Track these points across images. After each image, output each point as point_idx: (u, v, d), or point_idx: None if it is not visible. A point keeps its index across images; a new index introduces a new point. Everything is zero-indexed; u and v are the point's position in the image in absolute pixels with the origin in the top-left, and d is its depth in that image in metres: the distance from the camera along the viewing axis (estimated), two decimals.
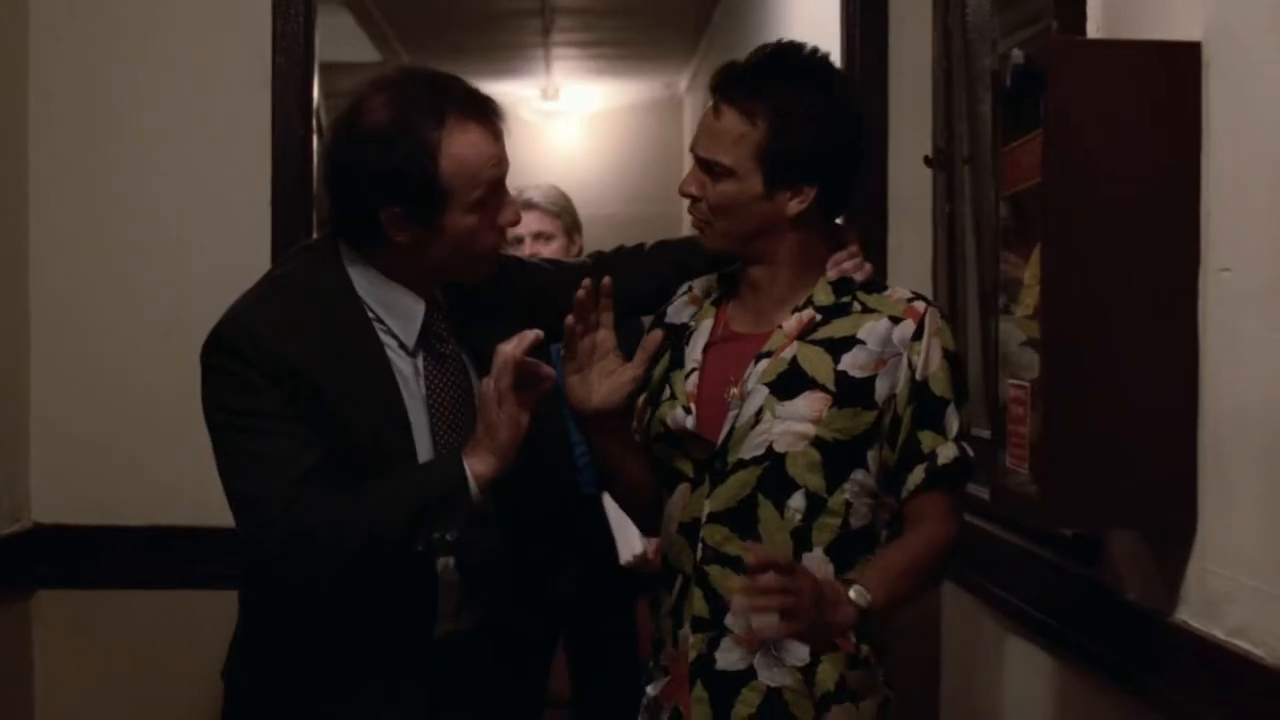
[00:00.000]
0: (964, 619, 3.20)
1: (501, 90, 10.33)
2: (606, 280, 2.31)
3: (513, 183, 2.38)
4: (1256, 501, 1.84)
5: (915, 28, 3.54)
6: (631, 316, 2.55)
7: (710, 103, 2.36)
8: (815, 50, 2.37)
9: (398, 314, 2.29)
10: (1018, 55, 2.03)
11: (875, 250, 3.43)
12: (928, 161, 3.48)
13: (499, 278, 2.41)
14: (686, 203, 2.37)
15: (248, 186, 3.41)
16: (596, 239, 4.10)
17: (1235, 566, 1.89)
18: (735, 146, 2.29)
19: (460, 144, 2.22)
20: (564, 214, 3.93)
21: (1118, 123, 1.99)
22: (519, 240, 3.90)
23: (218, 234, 3.39)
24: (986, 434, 2.36)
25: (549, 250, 3.88)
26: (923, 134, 3.52)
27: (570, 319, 2.30)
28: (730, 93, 2.32)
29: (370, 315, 2.28)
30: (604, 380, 2.35)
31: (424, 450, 2.27)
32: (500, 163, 2.27)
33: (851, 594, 2.15)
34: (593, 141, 10.49)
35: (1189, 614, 2.01)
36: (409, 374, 2.29)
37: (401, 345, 2.29)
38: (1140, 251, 1.99)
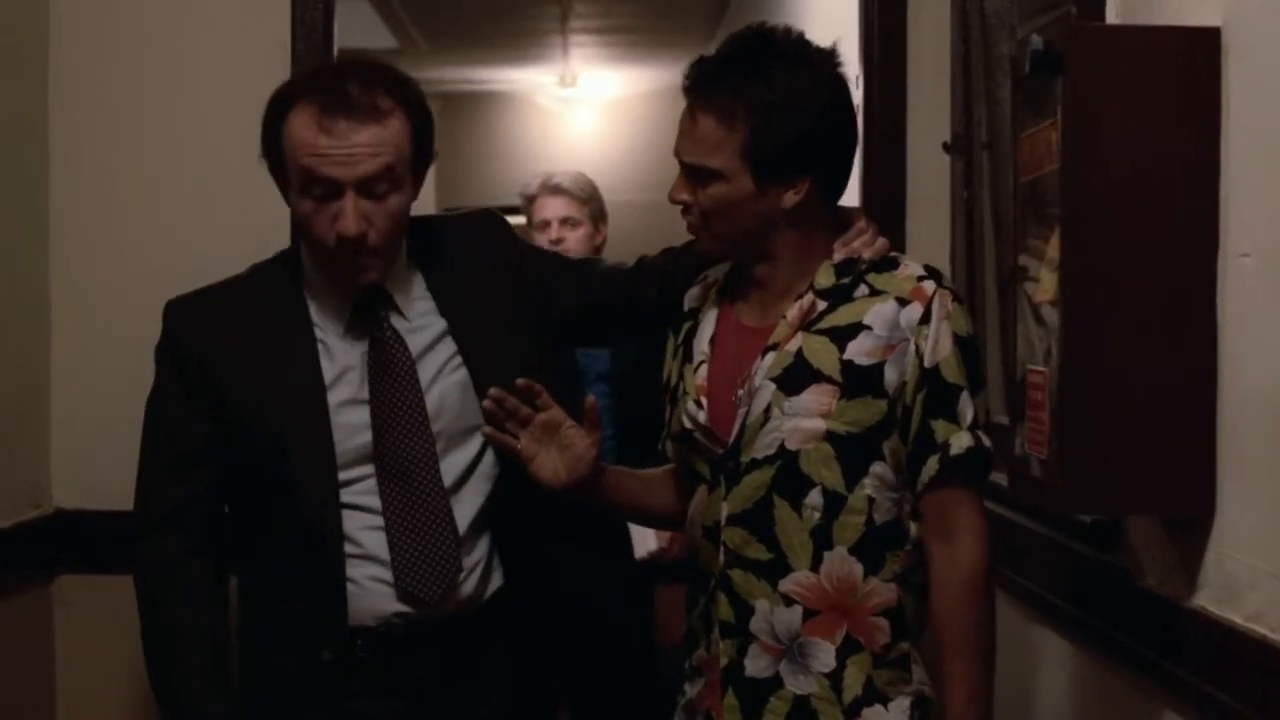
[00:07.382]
0: None
1: (519, 77, 10.40)
2: (520, 381, 2.33)
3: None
4: (1275, 487, 1.84)
5: (934, 13, 3.53)
6: (664, 325, 2.54)
7: (686, 104, 2.24)
8: (789, 31, 2.24)
9: (327, 309, 2.35)
10: (1036, 41, 2.03)
11: (893, 237, 3.39)
12: (946, 148, 3.48)
13: (488, 251, 2.46)
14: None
15: (268, 173, 3.41)
16: (614, 225, 4.11)
17: (1253, 552, 1.89)
18: (718, 149, 2.19)
19: (293, 122, 2.27)
20: (591, 201, 3.95)
21: (1136, 108, 1.99)
22: (545, 224, 3.92)
23: (238, 219, 3.39)
24: (1005, 420, 2.35)
25: (574, 236, 3.90)
26: (941, 120, 3.51)
27: (488, 430, 2.35)
28: (705, 93, 2.21)
29: (308, 307, 2.36)
30: (565, 454, 2.36)
31: (350, 437, 2.32)
32: (316, 155, 2.23)
33: None
34: (610, 128, 10.47)
35: (1207, 599, 2.01)
36: (353, 365, 2.34)
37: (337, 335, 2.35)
38: (1159, 237, 1.99)
